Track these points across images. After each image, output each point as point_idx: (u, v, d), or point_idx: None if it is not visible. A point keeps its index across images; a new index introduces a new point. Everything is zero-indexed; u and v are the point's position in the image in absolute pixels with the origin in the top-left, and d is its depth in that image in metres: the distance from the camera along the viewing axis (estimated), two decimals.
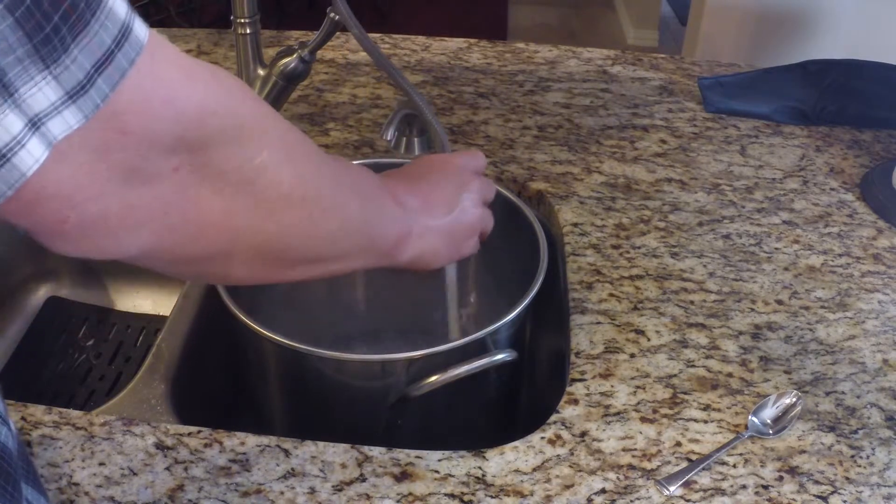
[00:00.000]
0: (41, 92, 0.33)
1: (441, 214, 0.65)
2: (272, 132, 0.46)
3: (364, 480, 0.69)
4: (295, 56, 1.05)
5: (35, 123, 0.33)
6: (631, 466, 0.71)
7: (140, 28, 0.37)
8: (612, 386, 0.79)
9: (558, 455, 0.72)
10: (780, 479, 0.71)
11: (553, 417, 0.75)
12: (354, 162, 1.01)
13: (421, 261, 0.65)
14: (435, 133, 0.80)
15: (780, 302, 0.90)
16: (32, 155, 0.34)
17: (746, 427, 0.75)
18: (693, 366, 0.81)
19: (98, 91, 0.35)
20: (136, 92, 0.36)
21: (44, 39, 0.33)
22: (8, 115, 0.33)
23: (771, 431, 0.75)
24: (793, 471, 0.71)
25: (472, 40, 1.44)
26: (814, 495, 0.69)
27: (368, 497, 0.68)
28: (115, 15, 0.35)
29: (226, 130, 0.42)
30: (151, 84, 0.37)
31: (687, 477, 0.70)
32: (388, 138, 1.06)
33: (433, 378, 0.75)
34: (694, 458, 0.72)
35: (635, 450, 0.73)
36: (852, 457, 0.73)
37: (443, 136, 0.80)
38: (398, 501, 0.67)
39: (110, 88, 0.35)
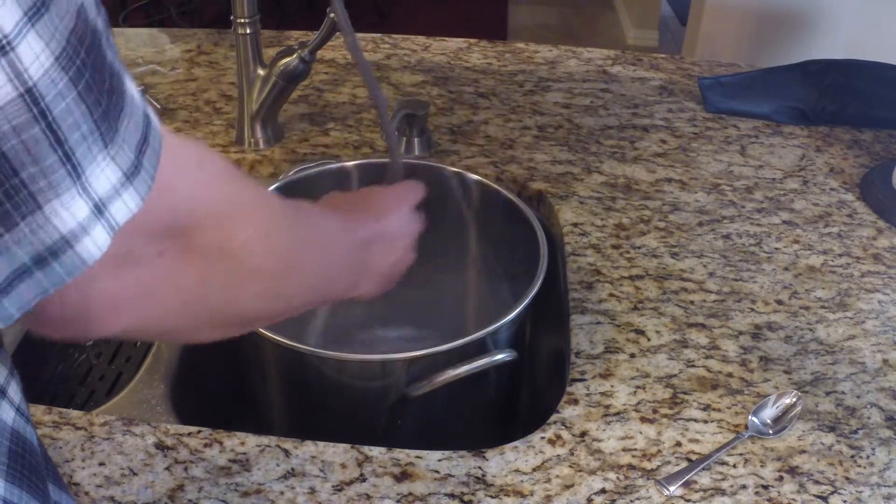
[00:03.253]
0: (104, 174, 0.32)
1: (389, 254, 0.68)
2: (253, 211, 0.46)
3: (364, 480, 0.69)
4: (295, 56, 1.05)
5: (100, 208, 0.32)
6: (631, 466, 0.71)
7: (153, 115, 0.36)
8: (612, 386, 0.79)
9: (558, 455, 0.72)
10: (780, 479, 0.71)
11: (553, 417, 0.75)
12: (353, 163, 1.01)
13: (365, 295, 0.67)
14: (393, 154, 0.78)
15: (780, 302, 0.90)
16: (96, 242, 0.33)
17: (746, 427, 0.75)
18: (693, 366, 0.81)
19: (147, 172, 0.35)
20: None
21: (102, 115, 0.32)
22: (76, 200, 0.31)
23: (771, 431, 0.75)
24: (793, 471, 0.71)
25: (472, 40, 1.45)
26: (814, 495, 0.69)
27: (368, 497, 0.68)
28: (135, 100, 0.35)
29: (211, 215, 0.41)
30: None
31: (687, 477, 0.70)
32: None
33: (433, 378, 0.75)
34: (694, 458, 0.72)
35: (635, 450, 0.73)
36: (852, 457, 0.73)
37: (397, 159, 0.79)
38: (398, 501, 0.67)
39: (154, 170, 0.35)
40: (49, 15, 0.30)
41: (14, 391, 0.43)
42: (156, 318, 0.42)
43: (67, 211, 0.31)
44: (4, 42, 0.29)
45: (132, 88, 0.35)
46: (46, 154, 0.30)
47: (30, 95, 0.29)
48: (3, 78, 0.29)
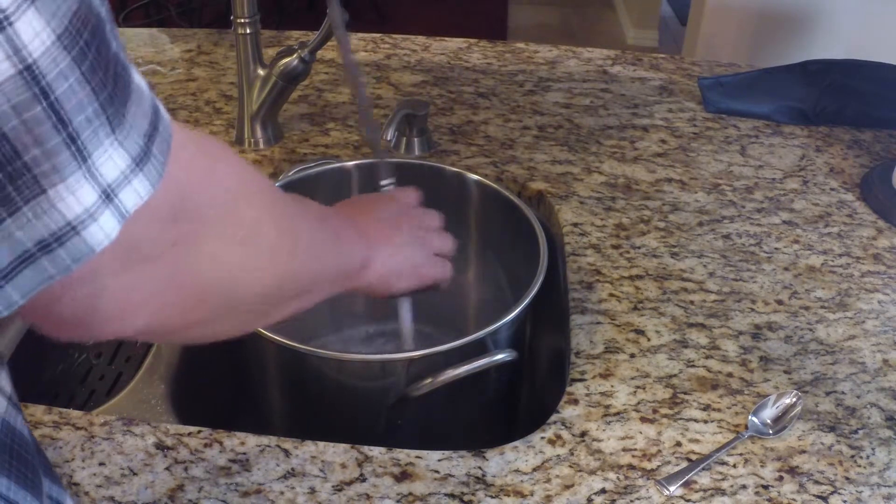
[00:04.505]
0: (112, 159, 0.32)
1: (399, 242, 0.68)
2: (257, 191, 0.46)
3: (364, 480, 0.69)
4: (295, 56, 1.05)
5: (108, 195, 0.32)
6: (631, 466, 0.71)
7: (162, 107, 0.36)
8: (612, 386, 0.79)
9: (558, 455, 0.72)
10: (780, 479, 0.71)
11: (553, 417, 0.75)
12: (353, 163, 1.01)
13: (383, 284, 0.67)
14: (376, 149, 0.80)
15: (780, 302, 0.90)
16: (104, 230, 0.32)
17: (746, 427, 0.75)
18: (693, 366, 0.81)
19: (157, 160, 0.34)
20: None
21: (108, 99, 0.32)
22: (83, 185, 0.31)
23: (771, 431, 0.75)
24: (793, 471, 0.71)
25: (472, 40, 1.44)
26: (814, 495, 0.69)
27: (368, 497, 0.68)
28: (143, 90, 0.35)
29: (219, 197, 0.41)
30: None
31: (687, 477, 0.70)
32: (388, 138, 1.06)
33: (433, 378, 0.75)
34: (694, 458, 0.72)
35: (635, 450, 0.73)
36: (852, 457, 0.73)
37: (382, 156, 0.80)
38: (398, 501, 0.67)
39: (165, 158, 0.34)
40: None
41: (5, 380, 0.42)
42: (171, 314, 0.41)
43: (73, 196, 0.31)
44: (2, 17, 0.28)
45: (139, 79, 0.35)
46: (50, 136, 0.29)
47: (29, 73, 0.28)
48: (0, 55, 0.28)
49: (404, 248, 0.69)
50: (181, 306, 0.41)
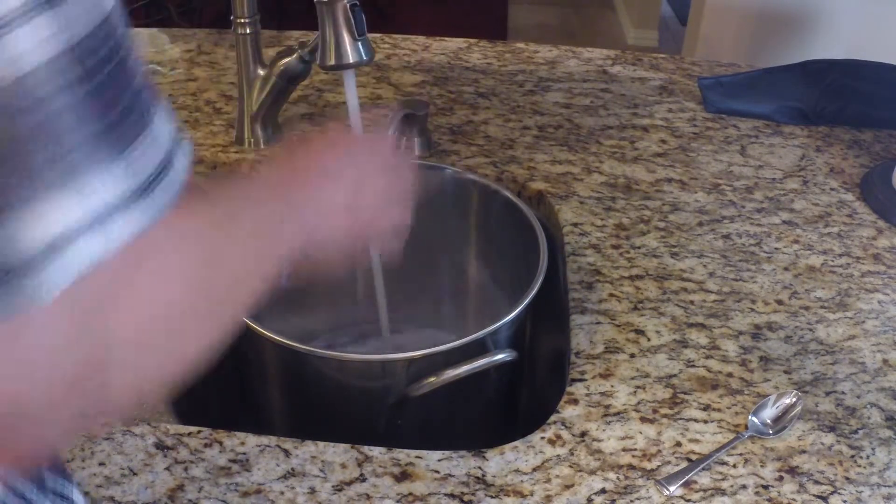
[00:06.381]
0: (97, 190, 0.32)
1: (340, 209, 0.58)
2: (177, 285, 0.39)
3: (364, 480, 0.69)
4: (295, 56, 1.05)
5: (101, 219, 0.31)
6: (631, 466, 0.71)
7: (181, 171, 0.34)
8: (612, 386, 0.79)
9: (558, 455, 0.72)
10: (780, 479, 0.71)
11: (553, 417, 0.75)
12: None
13: (323, 253, 0.56)
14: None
15: (780, 302, 0.90)
16: (91, 251, 0.31)
17: (746, 427, 0.75)
18: (693, 366, 0.81)
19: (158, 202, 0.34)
20: None
21: (106, 129, 0.32)
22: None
23: (771, 431, 0.75)
24: (793, 471, 0.71)
25: (472, 40, 1.44)
26: (814, 495, 0.69)
27: (368, 497, 0.68)
28: (158, 141, 0.34)
29: (127, 327, 0.36)
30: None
31: (687, 477, 0.70)
32: None
33: (433, 378, 0.75)
34: (694, 458, 0.72)
35: (635, 450, 0.73)
36: (852, 457, 0.73)
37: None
38: (398, 501, 0.67)
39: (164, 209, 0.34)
40: (66, 6, 0.28)
41: None
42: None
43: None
44: (2, 23, 0.27)
45: (161, 127, 0.33)
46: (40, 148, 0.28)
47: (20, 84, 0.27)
48: None
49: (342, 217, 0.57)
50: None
